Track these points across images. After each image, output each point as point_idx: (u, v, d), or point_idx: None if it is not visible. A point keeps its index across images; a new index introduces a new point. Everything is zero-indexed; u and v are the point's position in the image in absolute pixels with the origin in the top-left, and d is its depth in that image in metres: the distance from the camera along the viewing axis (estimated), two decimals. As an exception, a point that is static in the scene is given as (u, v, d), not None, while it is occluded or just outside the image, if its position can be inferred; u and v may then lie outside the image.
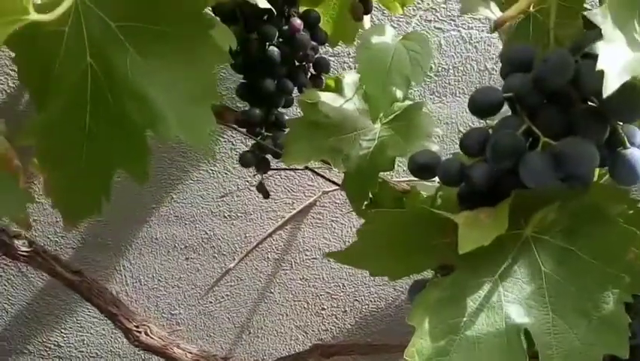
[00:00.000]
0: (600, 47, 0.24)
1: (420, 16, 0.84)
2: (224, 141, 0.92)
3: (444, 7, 0.84)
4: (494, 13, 0.39)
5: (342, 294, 1.00)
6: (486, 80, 0.88)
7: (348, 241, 0.96)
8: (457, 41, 0.86)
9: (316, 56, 0.63)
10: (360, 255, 0.36)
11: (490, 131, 0.35)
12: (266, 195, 0.63)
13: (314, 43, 0.61)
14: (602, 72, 0.29)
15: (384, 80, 0.49)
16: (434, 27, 0.86)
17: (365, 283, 0.99)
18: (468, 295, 0.35)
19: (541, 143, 0.31)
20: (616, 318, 0.33)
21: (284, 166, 0.57)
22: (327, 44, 0.66)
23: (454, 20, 0.85)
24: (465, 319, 0.34)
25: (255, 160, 0.61)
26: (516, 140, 0.31)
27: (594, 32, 0.29)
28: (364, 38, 0.52)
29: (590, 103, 0.32)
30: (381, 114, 0.53)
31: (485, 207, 0.35)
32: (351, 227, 0.96)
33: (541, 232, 0.36)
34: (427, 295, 0.35)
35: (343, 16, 0.65)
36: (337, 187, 0.75)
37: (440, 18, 0.85)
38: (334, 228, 0.97)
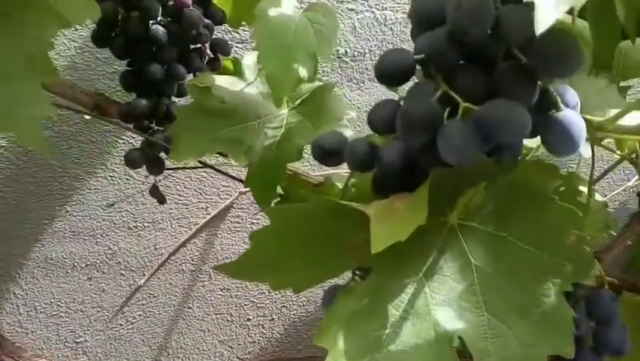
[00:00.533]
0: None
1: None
2: (123, 142, 0.82)
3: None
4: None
5: (267, 301, 0.93)
6: (404, 64, 0.83)
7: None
8: (372, 23, 0.81)
9: (213, 37, 0.55)
10: (257, 264, 0.29)
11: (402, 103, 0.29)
12: (161, 200, 0.54)
13: (207, 21, 0.53)
14: (527, 16, 0.24)
15: (287, 57, 0.42)
16: (347, 8, 0.80)
17: (292, 288, 0.93)
18: (389, 301, 0.29)
19: (461, 109, 0.25)
20: (558, 313, 0.28)
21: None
22: (234, 29, 0.59)
23: (366, 1, 0.80)
24: (387, 331, 0.28)
25: (145, 160, 0.52)
26: (430, 107, 0.25)
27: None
28: (261, 11, 0.45)
29: (514, 60, 0.27)
30: (287, 97, 0.47)
31: (402, 193, 0.29)
32: (273, 229, 0.89)
33: (468, 218, 0.31)
34: (340, 307, 0.28)
35: (244, -8, 0.58)
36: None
37: (353, -1, 0.80)
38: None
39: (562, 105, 0.25)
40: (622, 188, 0.91)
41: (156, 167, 0.52)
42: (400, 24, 0.81)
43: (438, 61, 0.26)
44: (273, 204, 0.46)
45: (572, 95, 0.26)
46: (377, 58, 0.83)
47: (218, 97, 0.46)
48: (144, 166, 0.53)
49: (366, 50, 0.82)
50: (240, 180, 0.60)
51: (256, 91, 0.50)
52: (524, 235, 0.30)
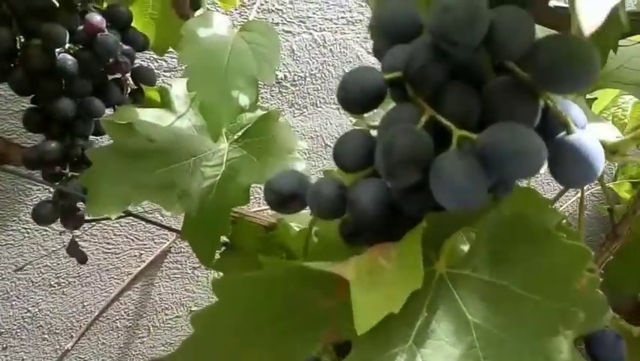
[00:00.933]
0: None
1: (265, 19, 0.73)
2: (38, 189, 0.72)
3: (291, 8, 0.74)
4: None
5: (217, 352, 0.84)
6: (347, 87, 0.79)
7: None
8: (311, 45, 0.77)
9: (135, 65, 0.48)
10: (202, 356, 0.22)
11: (374, 133, 0.24)
12: (81, 259, 0.46)
13: (126, 47, 0.46)
14: (526, 22, 0.19)
15: (223, 84, 0.36)
16: (283, 30, 0.75)
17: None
18: (375, 383, 0.23)
19: (455, 139, 0.20)
20: (574, 369, 0.23)
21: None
22: (159, 56, 0.52)
23: (304, 22, 0.76)
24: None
25: (57, 213, 0.43)
26: (419, 139, 0.19)
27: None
28: (189, 31, 0.39)
29: (507, 73, 0.22)
30: (226, 130, 0.40)
31: (382, 245, 0.24)
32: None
33: (458, 266, 0.26)
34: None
35: (169, 14, 0.51)
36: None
37: (288, 20, 0.75)
38: (197, 276, 0.80)
39: (573, 127, 0.20)
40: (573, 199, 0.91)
41: (72, 220, 0.44)
42: (339, 45, 0.77)
43: (419, 79, 0.20)
44: (217, 256, 0.39)
45: (577, 112, 0.21)
46: (318, 81, 0.78)
47: (142, 134, 0.39)
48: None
49: (307, 74, 0.77)
50: (176, 231, 0.53)
51: (188, 124, 0.43)
52: (527, 281, 0.25)
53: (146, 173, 0.38)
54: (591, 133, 0.20)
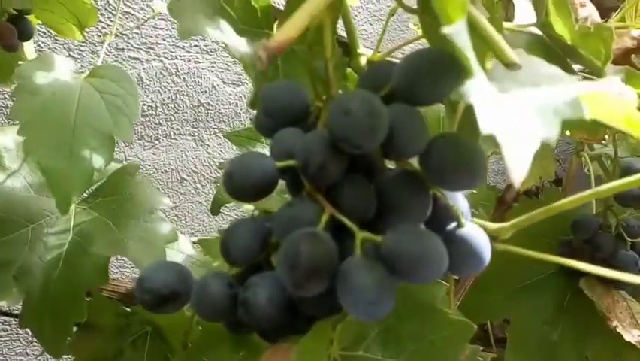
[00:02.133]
0: (474, 97, 0.14)
1: (109, 44, 0.66)
2: None
3: (137, 33, 0.68)
4: (227, 34, 0.26)
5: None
6: (202, 117, 0.75)
7: None
8: (162, 74, 0.72)
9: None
10: None
11: (264, 221, 0.22)
12: None
13: None
14: (421, 125, 0.19)
15: (71, 143, 0.31)
16: (129, 57, 0.69)
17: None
18: None
19: (358, 242, 0.19)
20: None
21: None
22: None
23: (152, 49, 0.70)
24: None
25: None
26: (326, 247, 0.18)
27: (405, 65, 0.19)
28: (23, 76, 0.33)
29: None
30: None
31: (279, 344, 0.22)
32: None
33: (351, 347, 0.26)
34: None
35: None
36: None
37: (136, 46, 0.69)
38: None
39: (463, 220, 0.21)
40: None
41: None
42: (193, 74, 0.73)
43: (319, 176, 0.19)
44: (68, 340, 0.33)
45: (462, 202, 0.22)
46: (171, 111, 0.73)
47: (-38, 202, 0.32)
48: None
49: (158, 104, 0.72)
50: (14, 316, 0.43)
51: (22, 183, 0.36)
52: (418, 358, 0.25)
53: (-32, 251, 0.31)
54: (476, 226, 0.21)
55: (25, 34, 0.42)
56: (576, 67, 0.30)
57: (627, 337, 0.41)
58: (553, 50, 0.31)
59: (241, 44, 0.26)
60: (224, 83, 0.75)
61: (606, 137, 0.41)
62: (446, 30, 0.14)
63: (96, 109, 0.33)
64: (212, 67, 0.74)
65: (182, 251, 0.42)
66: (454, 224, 0.21)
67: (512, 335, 0.45)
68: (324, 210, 0.20)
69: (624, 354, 0.43)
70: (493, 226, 0.23)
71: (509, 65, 0.18)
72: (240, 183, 0.21)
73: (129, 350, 0.35)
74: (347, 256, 0.19)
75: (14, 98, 0.31)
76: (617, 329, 0.41)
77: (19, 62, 0.43)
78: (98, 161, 0.32)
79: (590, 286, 0.44)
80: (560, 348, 0.46)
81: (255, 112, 0.26)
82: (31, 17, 0.42)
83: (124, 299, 0.37)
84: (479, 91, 0.14)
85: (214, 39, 0.24)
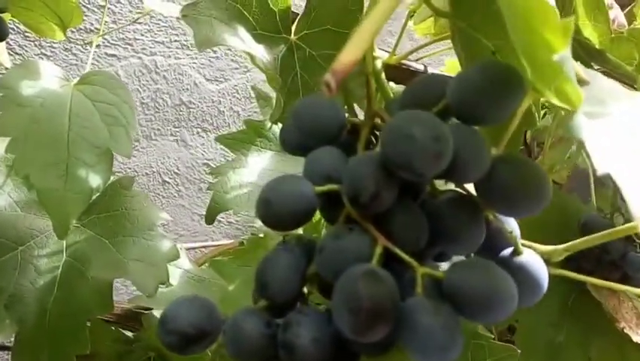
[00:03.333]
0: (585, 135, 0.12)
1: (83, 41, 0.62)
2: None
3: (114, 28, 0.64)
4: (248, 42, 0.23)
5: None
6: (184, 116, 0.72)
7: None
8: (141, 71, 0.68)
9: None
10: None
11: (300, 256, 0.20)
12: None
13: None
14: (486, 148, 0.18)
15: (65, 161, 0.28)
16: (105, 54, 0.65)
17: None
18: None
19: (419, 278, 0.17)
20: None
21: None
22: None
23: (130, 45, 0.66)
24: None
25: None
26: (389, 289, 0.16)
27: (464, 81, 0.18)
28: (7, 86, 0.29)
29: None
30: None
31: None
32: None
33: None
34: None
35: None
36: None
37: (113, 42, 0.65)
38: None
39: (521, 247, 0.19)
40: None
41: None
42: (174, 71, 0.70)
43: (371, 204, 0.17)
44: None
45: (514, 225, 0.21)
46: (151, 111, 0.70)
47: (-57, 227, 0.28)
48: None
49: (137, 103, 0.68)
50: (7, 349, 0.39)
51: (7, 201, 0.33)
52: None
53: (-47, 282, 0.28)
54: (532, 252, 0.20)
55: (0, 35, 0.38)
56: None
57: (635, 338, 0.41)
58: (575, 52, 0.30)
59: (264, 53, 0.24)
60: (207, 79, 0.72)
61: None
62: (554, 57, 0.13)
63: (90, 120, 0.30)
64: (194, 63, 0.71)
65: (179, 266, 0.40)
66: (509, 250, 0.20)
67: (520, 339, 0.45)
68: (376, 242, 0.18)
69: (629, 354, 0.43)
70: (544, 248, 0.21)
71: (580, 82, 0.17)
72: (279, 213, 0.19)
73: (132, 377, 0.32)
74: (404, 293, 0.17)
75: (1, 112, 0.28)
76: (625, 330, 0.41)
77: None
78: (95, 180, 0.29)
79: (597, 288, 0.44)
80: (566, 350, 0.46)
81: (239, 111, 0.24)
82: (5, 15, 0.39)
83: (122, 323, 0.35)
84: (591, 128, 0.13)
85: (236, 49, 0.22)
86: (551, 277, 0.47)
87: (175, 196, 0.73)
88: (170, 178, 0.72)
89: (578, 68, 0.17)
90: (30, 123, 0.28)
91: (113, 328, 0.34)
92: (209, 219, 0.46)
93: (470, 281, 0.17)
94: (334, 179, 0.19)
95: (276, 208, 0.19)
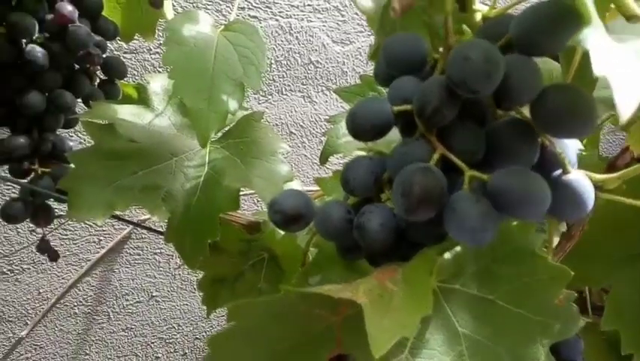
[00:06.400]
0: (590, 42, 0.15)
1: (231, 3, 0.71)
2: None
3: (259, -7, 0.73)
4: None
5: (178, 336, 0.84)
6: (312, 75, 0.79)
7: (179, 275, 0.80)
8: (277, 32, 0.76)
9: (105, 56, 0.46)
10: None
11: (379, 158, 0.25)
12: (53, 256, 0.45)
13: (98, 37, 0.44)
14: (536, 71, 0.21)
15: (211, 88, 0.36)
16: (249, 16, 0.74)
17: (205, 318, 0.85)
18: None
19: (467, 178, 0.21)
20: (549, 374, 0.26)
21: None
22: (118, 39, 0.50)
23: (270, 8, 0.75)
24: None
25: (28, 211, 0.42)
26: (437, 179, 0.21)
27: (523, 17, 0.21)
28: (173, 29, 0.38)
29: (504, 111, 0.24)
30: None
31: (387, 267, 0.25)
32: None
33: (449, 280, 0.28)
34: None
35: (136, 1, 0.49)
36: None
37: (255, 4, 0.73)
38: (159, 261, 0.79)
39: (569, 167, 0.22)
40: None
41: (43, 218, 0.42)
42: (306, 33, 0.77)
43: (433, 119, 0.21)
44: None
45: (572, 152, 0.23)
46: (283, 68, 0.78)
47: (124, 134, 0.38)
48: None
49: (272, 60, 0.76)
50: (145, 227, 0.52)
51: (167, 122, 0.42)
52: (512, 297, 0.27)
53: (129, 175, 0.37)
54: (582, 173, 0.22)
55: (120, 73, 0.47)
56: None
57: None
58: None
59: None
60: (334, 42, 0.78)
61: None
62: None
63: (230, 59, 0.38)
64: (324, 26, 0.77)
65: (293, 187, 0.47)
66: (560, 171, 0.23)
67: (611, 304, 0.45)
68: (435, 150, 0.22)
69: None
70: (599, 176, 0.24)
71: (630, 18, 0.19)
72: (361, 123, 0.24)
73: (249, 271, 0.40)
74: (456, 191, 0.21)
75: (165, 48, 0.36)
76: None
77: (160, 19, 0.50)
78: (232, 104, 0.36)
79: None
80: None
81: (366, 68, 0.29)
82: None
83: (245, 229, 0.43)
84: (595, 37, 0.16)
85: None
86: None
87: (299, 147, 0.81)
88: (296, 130, 0.80)
89: (631, 3, 0.20)
90: (186, 58, 0.36)
91: (239, 231, 0.42)
92: (323, 159, 0.52)
93: (509, 182, 0.20)
94: (410, 102, 0.24)
95: (359, 120, 0.24)
